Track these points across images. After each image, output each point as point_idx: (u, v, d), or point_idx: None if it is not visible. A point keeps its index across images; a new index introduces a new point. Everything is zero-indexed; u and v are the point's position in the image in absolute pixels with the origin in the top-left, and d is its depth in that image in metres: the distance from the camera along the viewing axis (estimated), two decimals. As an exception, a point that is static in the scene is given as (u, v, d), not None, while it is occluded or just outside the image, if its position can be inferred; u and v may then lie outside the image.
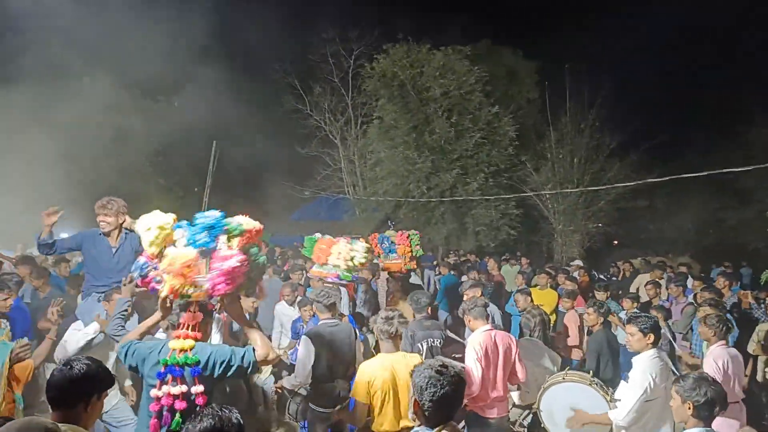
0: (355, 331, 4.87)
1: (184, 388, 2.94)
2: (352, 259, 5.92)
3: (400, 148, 18.33)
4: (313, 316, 5.51)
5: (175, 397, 2.94)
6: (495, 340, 4.41)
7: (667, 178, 11.71)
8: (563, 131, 19.64)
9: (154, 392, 2.94)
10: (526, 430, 5.20)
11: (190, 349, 3.02)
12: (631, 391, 3.82)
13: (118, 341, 3.94)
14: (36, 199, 10.36)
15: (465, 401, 4.34)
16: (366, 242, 6.42)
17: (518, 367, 4.49)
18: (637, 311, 7.26)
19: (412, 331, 5.12)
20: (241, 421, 2.13)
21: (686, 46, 19.52)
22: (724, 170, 8.73)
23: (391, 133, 18.81)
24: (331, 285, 5.60)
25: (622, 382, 4.08)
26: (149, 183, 20.56)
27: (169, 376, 2.96)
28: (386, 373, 3.78)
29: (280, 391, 5.56)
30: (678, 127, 20.83)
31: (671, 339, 6.86)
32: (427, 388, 2.39)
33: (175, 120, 19.03)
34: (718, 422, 4.53)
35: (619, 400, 3.93)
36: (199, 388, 2.99)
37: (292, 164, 22.40)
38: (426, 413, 2.42)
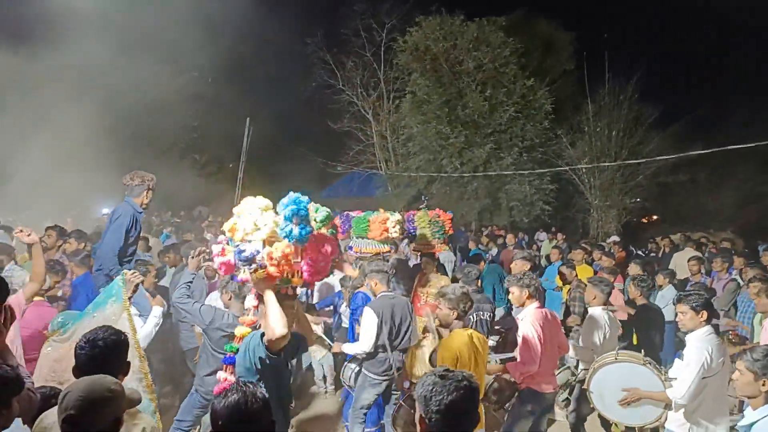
0: (410, 304, 5.01)
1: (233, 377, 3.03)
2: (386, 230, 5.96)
3: (432, 122, 18.14)
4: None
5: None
6: (546, 316, 4.45)
7: (710, 151, 11.33)
8: (601, 103, 19.08)
9: (220, 374, 3.06)
10: (573, 404, 5.14)
11: (242, 338, 3.08)
12: (688, 368, 3.75)
13: (182, 309, 4.16)
14: (74, 173, 10.69)
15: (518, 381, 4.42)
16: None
17: (563, 339, 4.59)
18: (674, 288, 7.11)
19: None
20: (266, 396, 2.14)
21: (729, 13, 18.57)
22: (769, 141, 8.37)
23: (424, 108, 18.61)
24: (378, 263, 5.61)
25: (677, 360, 3.99)
26: (185, 158, 20.97)
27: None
28: (471, 347, 3.81)
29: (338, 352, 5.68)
30: (721, 98, 19.99)
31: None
32: (432, 397, 2.05)
33: (210, 96, 19.28)
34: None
35: (675, 378, 3.86)
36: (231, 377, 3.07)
37: (324, 140, 22.48)
38: (433, 428, 2.05)
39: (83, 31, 9.39)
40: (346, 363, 5.05)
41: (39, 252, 4.04)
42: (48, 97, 9.76)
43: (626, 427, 4.66)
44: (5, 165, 10.29)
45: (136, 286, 3.88)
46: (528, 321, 4.37)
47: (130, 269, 4.21)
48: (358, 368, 4.83)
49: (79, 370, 2.38)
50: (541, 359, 4.27)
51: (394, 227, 5.92)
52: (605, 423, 4.85)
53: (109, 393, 2.03)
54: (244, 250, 2.88)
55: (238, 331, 3.12)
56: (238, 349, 3.06)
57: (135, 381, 3.25)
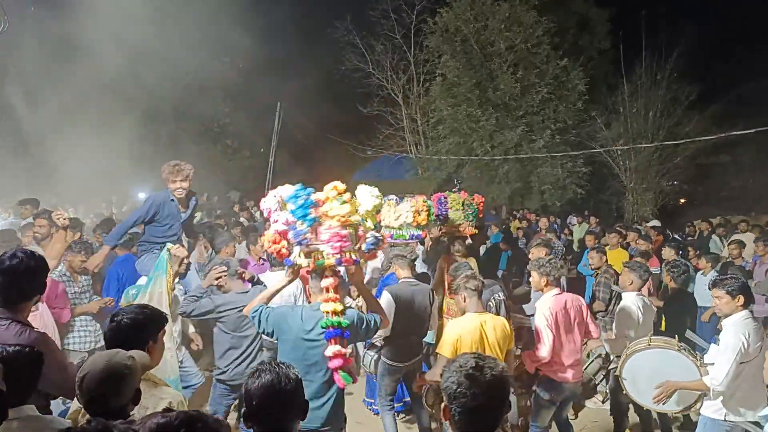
0: (431, 292, 4.98)
1: (337, 348, 3.16)
2: (398, 218, 5.93)
3: (463, 105, 17.95)
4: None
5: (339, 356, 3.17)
6: (565, 304, 4.32)
7: (753, 131, 10.93)
8: (637, 83, 18.54)
9: (331, 349, 3.15)
10: (606, 391, 5.10)
11: (342, 313, 3.22)
12: (724, 354, 3.66)
13: (194, 316, 4.29)
14: (110, 160, 10.97)
15: (536, 368, 4.37)
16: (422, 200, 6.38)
17: (592, 327, 4.44)
18: (717, 273, 6.91)
19: None
20: (299, 376, 2.15)
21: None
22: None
23: (454, 91, 18.41)
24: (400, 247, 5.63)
25: (713, 345, 3.90)
26: (217, 144, 21.25)
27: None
28: (475, 332, 3.77)
29: None
30: (764, 75, 19.10)
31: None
32: (456, 397, 1.91)
33: (240, 83, 19.45)
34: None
35: (711, 364, 3.77)
36: (348, 350, 3.23)
37: (354, 124, 22.44)
38: (457, 424, 1.96)
39: (118, 19, 9.56)
40: (365, 350, 5.04)
41: (62, 237, 4.22)
42: (83, 85, 9.99)
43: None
44: (45, 152, 10.64)
45: (188, 264, 3.97)
46: (542, 309, 4.29)
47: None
48: (377, 356, 4.82)
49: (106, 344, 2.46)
50: (555, 348, 4.18)
51: (400, 215, 5.92)
52: (640, 408, 4.78)
53: (126, 369, 2.08)
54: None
55: (327, 307, 3.23)
56: (335, 323, 3.18)
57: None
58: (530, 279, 4.72)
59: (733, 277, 3.90)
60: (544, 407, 4.42)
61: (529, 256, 6.62)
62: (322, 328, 3.17)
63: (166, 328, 2.66)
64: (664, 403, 4.15)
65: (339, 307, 3.19)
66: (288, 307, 3.45)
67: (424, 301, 4.80)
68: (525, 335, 5.60)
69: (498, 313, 4.84)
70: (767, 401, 3.67)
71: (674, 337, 4.26)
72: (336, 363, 3.13)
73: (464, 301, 3.91)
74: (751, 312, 3.87)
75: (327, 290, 3.24)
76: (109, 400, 2.02)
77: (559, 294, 4.39)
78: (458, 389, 1.91)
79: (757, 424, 3.66)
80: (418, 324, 4.76)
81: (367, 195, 3.36)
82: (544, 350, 4.17)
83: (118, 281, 5.52)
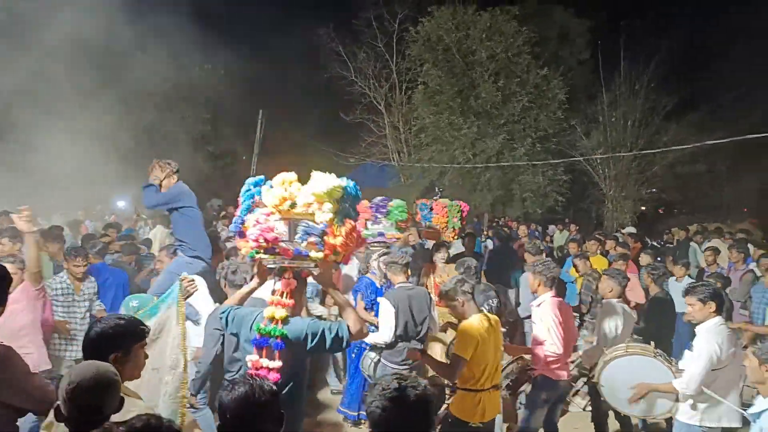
0: (429, 295, 5.03)
1: (265, 361, 2.91)
2: (388, 214, 5.99)
3: (445, 113, 18.05)
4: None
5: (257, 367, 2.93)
6: (560, 306, 4.47)
7: (728, 140, 11.15)
8: (616, 93, 18.86)
9: (249, 358, 2.96)
10: (589, 399, 5.12)
11: (282, 321, 2.95)
12: (697, 360, 3.72)
13: None
14: (88, 169, 10.78)
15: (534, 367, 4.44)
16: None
17: (575, 330, 4.64)
18: (692, 278, 7.02)
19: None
20: (274, 388, 2.10)
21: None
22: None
23: (436, 99, 18.52)
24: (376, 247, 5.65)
25: (687, 351, 3.95)
26: (198, 151, 21.06)
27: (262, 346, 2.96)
28: (490, 332, 3.81)
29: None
30: (741, 85, 19.53)
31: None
32: (380, 424, 1.89)
33: (222, 89, 19.33)
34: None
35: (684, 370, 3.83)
36: (275, 364, 2.89)
37: (336, 131, 22.42)
38: None
39: (95, 24, 9.44)
40: (365, 352, 5.02)
41: (32, 241, 4.05)
42: (61, 91, 9.83)
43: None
44: (23, 157, 10.42)
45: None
46: (546, 310, 4.37)
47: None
48: (378, 358, 4.83)
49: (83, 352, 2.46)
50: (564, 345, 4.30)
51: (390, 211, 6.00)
52: (619, 415, 4.81)
53: (115, 376, 2.10)
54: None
55: (267, 311, 3.00)
56: (266, 332, 2.94)
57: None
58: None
59: (705, 284, 3.97)
60: (539, 407, 4.46)
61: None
62: (256, 332, 2.98)
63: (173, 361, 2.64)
64: (641, 406, 4.19)
65: (281, 313, 2.96)
66: (249, 309, 3.24)
67: (422, 304, 4.84)
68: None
69: None
70: (741, 406, 3.71)
71: (650, 343, 4.31)
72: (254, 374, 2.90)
73: (463, 306, 3.85)
74: (725, 318, 3.93)
75: (276, 293, 3.04)
76: (103, 407, 2.02)
77: (555, 296, 4.51)
78: (382, 414, 1.88)
79: (731, 429, 3.71)
80: (417, 327, 4.80)
81: (319, 180, 2.96)
82: (556, 347, 4.25)
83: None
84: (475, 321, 3.81)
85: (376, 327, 4.88)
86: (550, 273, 4.50)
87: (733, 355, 3.72)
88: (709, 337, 3.75)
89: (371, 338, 4.83)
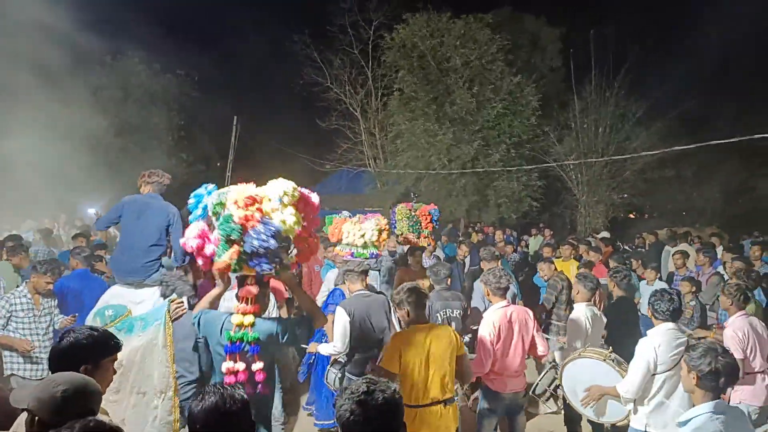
0: (388, 302, 4.83)
1: (242, 365, 3.03)
2: (363, 236, 5.95)
3: (420, 120, 18.12)
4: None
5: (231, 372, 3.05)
6: (510, 317, 4.32)
7: (695, 146, 11.41)
8: (587, 100, 19.22)
9: (225, 365, 3.03)
10: (561, 401, 5.14)
11: (251, 326, 3.07)
12: (634, 363, 3.75)
13: None
14: (61, 176, 10.58)
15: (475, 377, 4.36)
16: (383, 218, 6.41)
17: (538, 340, 4.41)
18: (662, 282, 7.18)
19: (430, 302, 5.13)
20: (245, 397, 2.09)
21: (715, 9, 18.71)
22: (755, 136, 8.47)
23: (412, 105, 18.59)
24: (349, 262, 5.62)
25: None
26: (172, 158, 20.81)
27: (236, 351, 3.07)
28: (419, 346, 3.63)
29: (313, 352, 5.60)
30: (707, 94, 20.11)
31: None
32: (350, 426, 1.90)
33: (196, 95, 19.17)
34: (745, 393, 4.51)
35: None
36: (258, 365, 3.07)
37: (312, 138, 22.39)
38: None
39: (67, 32, 9.30)
40: (328, 368, 4.95)
41: None
42: (33, 98, 9.64)
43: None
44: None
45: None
46: (486, 322, 4.29)
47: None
48: (341, 373, 4.69)
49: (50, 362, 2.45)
50: (496, 360, 4.21)
51: (365, 233, 5.93)
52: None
53: (95, 384, 2.14)
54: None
55: (235, 319, 3.11)
56: (237, 338, 3.07)
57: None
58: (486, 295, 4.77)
59: (663, 291, 3.97)
60: (485, 417, 4.44)
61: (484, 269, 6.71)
62: (227, 340, 3.07)
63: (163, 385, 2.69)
64: (598, 411, 4.26)
65: (248, 319, 3.07)
66: (217, 314, 3.30)
67: (380, 312, 4.67)
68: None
69: None
70: None
71: (608, 348, 4.38)
72: (230, 380, 3.01)
73: (408, 316, 3.78)
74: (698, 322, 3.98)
75: (240, 300, 3.14)
76: (94, 413, 2.04)
77: (506, 306, 4.38)
78: (351, 417, 1.89)
79: None
80: (376, 335, 4.61)
81: (275, 186, 3.17)
82: (482, 363, 4.19)
83: (75, 298, 5.35)
84: (405, 333, 3.75)
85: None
86: (498, 283, 4.37)
87: (679, 358, 3.61)
88: (649, 341, 3.77)
89: (324, 349, 4.73)
